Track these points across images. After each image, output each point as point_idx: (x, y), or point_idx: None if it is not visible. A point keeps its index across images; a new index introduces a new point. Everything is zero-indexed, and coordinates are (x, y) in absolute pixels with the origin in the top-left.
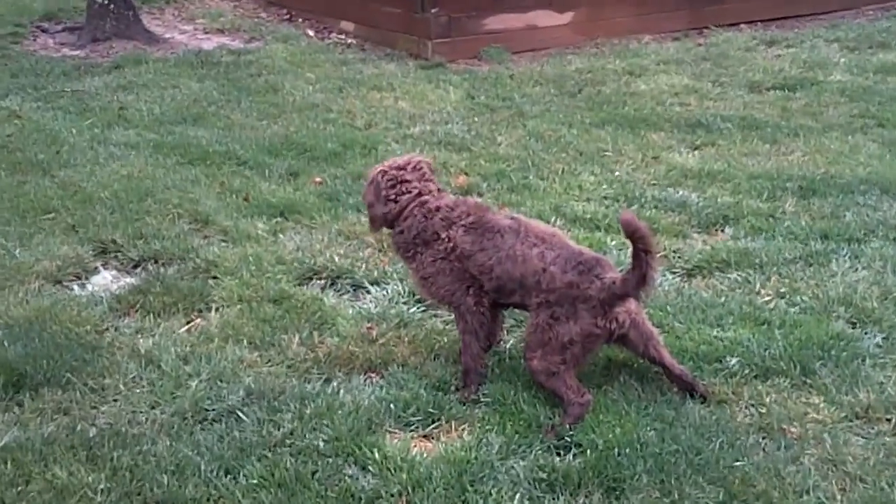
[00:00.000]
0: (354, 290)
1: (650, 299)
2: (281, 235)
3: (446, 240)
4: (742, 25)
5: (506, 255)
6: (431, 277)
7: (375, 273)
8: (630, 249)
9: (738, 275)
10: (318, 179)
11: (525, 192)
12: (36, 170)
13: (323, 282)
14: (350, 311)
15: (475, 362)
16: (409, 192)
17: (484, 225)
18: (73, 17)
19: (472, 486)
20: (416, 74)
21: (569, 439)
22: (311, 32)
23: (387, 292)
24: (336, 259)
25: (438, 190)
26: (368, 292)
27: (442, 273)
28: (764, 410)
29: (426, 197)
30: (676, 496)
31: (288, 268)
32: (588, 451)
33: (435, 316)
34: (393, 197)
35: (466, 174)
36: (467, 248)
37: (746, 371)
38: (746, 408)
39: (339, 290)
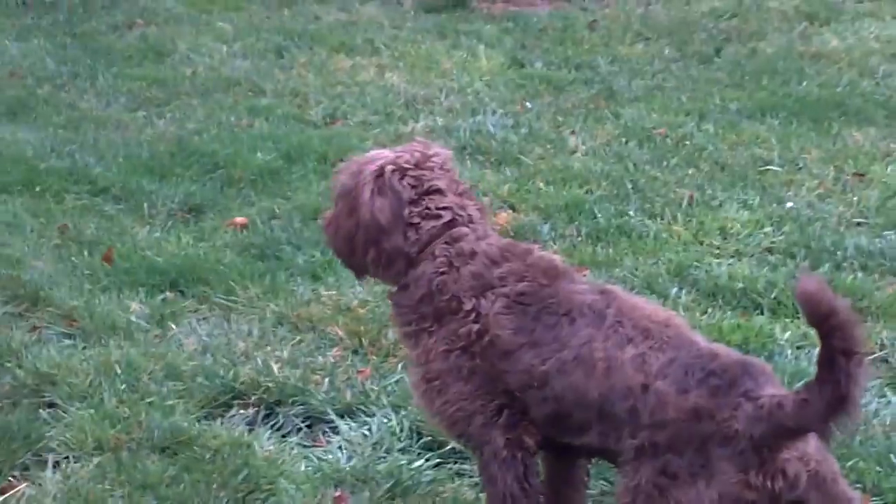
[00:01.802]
0: (310, 426)
1: (849, 436)
2: (173, 326)
3: (471, 316)
4: None
5: (574, 358)
6: (439, 381)
7: (349, 394)
8: (817, 347)
9: None
10: (239, 221)
11: (620, 241)
12: None
13: (251, 412)
14: (303, 468)
15: None
16: (437, 214)
17: (543, 300)
18: None
19: None
20: (417, 23)
21: None
22: None
23: (370, 430)
24: (275, 369)
25: (480, 216)
26: (336, 430)
27: (456, 376)
28: None
29: (462, 229)
30: None
31: (187, 386)
32: None
33: (461, 473)
34: (417, 219)
35: (512, 207)
36: (505, 338)
37: None
38: None
39: (280, 428)
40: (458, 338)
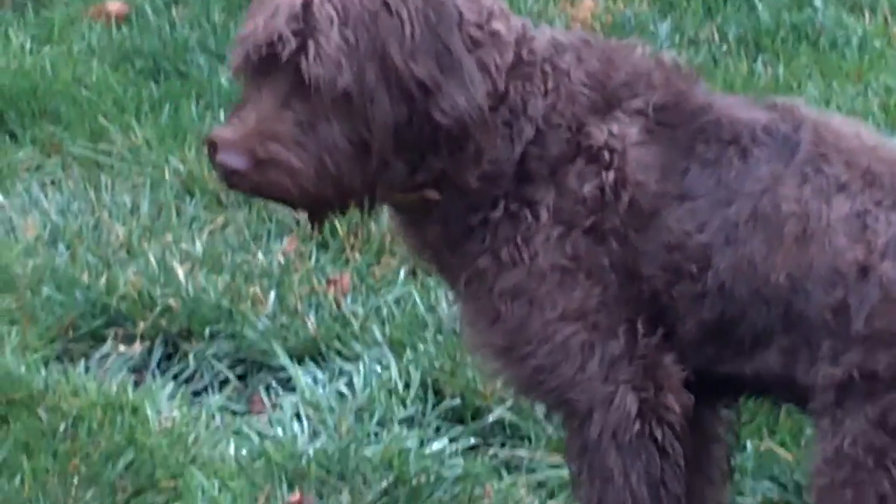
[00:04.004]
0: (243, 377)
1: None
2: None
3: (603, 156)
4: None
5: (750, 216)
6: (543, 290)
7: (312, 322)
8: None
9: None
10: (112, 7)
11: (798, 53)
12: None
13: (138, 350)
14: (231, 451)
15: None
16: (495, 31)
17: (692, 118)
18: None
19: None
20: None
21: None
22: None
23: (350, 386)
24: (180, 274)
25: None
26: (290, 385)
27: (574, 277)
28: None
29: (532, 34)
30: None
31: (24, 304)
32: None
33: (513, 465)
34: (477, 48)
35: None
36: (652, 189)
37: None
38: None
39: (190, 379)
40: (582, 205)
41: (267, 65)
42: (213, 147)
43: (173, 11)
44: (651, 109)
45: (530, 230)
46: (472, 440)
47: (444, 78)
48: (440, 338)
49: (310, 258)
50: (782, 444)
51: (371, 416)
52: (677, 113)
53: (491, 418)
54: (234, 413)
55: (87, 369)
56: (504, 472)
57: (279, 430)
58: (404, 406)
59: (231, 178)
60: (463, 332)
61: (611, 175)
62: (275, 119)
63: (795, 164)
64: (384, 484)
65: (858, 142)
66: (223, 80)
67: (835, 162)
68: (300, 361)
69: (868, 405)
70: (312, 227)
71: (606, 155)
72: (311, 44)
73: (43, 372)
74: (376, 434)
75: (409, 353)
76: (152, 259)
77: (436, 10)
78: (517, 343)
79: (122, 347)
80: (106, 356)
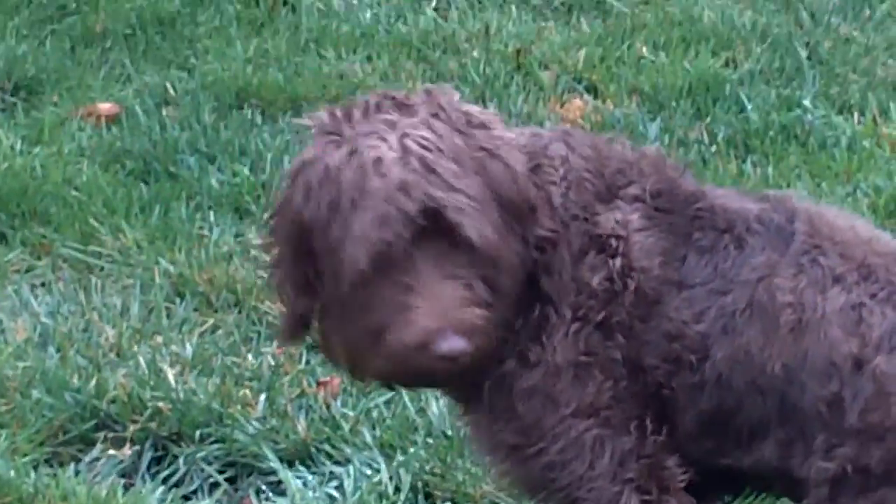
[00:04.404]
0: (233, 480)
1: None
2: None
3: (610, 244)
4: None
5: (746, 306)
6: (557, 387)
7: (302, 425)
8: None
9: None
10: (103, 108)
11: (787, 152)
12: None
13: (128, 453)
14: None
15: None
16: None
17: (686, 205)
18: None
19: None
20: None
21: None
22: None
23: (340, 489)
24: (171, 377)
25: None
26: (280, 489)
27: (587, 373)
28: None
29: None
30: None
31: (14, 406)
32: None
33: None
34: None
35: (593, 90)
36: (655, 274)
37: None
38: None
39: (180, 482)
40: (594, 299)
41: (417, 239)
42: (422, 346)
43: (164, 112)
44: (648, 196)
45: (554, 328)
46: None
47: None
48: (430, 440)
49: (300, 360)
50: None
51: None
52: (672, 199)
53: None
54: None
55: (76, 473)
56: None
57: None
58: None
59: (458, 361)
60: (474, 437)
61: (618, 262)
62: (451, 290)
63: (791, 255)
64: None
65: (853, 234)
66: (213, 182)
67: (830, 254)
68: (290, 465)
69: (861, 500)
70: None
71: (613, 242)
72: (455, 203)
73: (32, 476)
74: None
75: (399, 456)
76: (142, 361)
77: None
78: (531, 440)
79: (111, 451)
80: (96, 460)
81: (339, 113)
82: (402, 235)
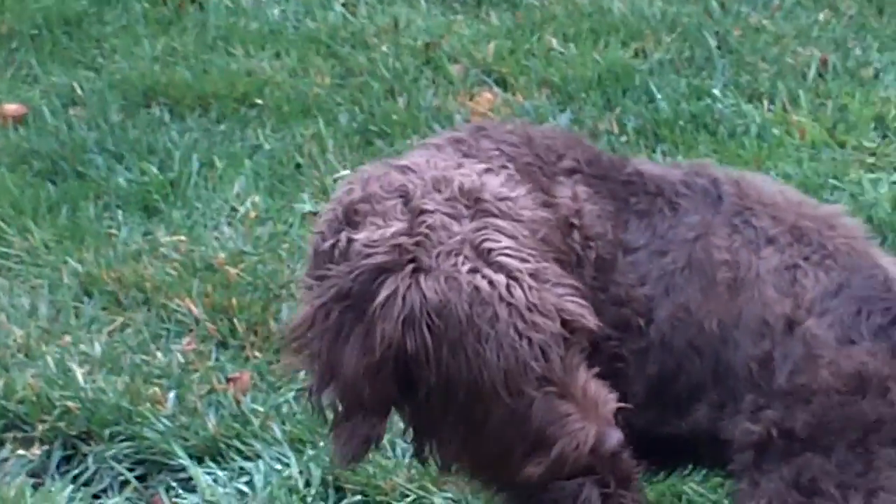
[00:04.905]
0: (143, 478)
1: None
2: None
3: (570, 217)
4: None
5: (685, 264)
6: None
7: (212, 421)
8: None
9: None
10: (10, 109)
11: (697, 142)
12: None
13: (38, 452)
14: None
15: None
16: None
17: (617, 172)
18: None
19: None
20: None
21: None
22: None
23: (250, 485)
24: (80, 376)
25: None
26: (190, 486)
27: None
28: None
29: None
30: None
31: None
32: None
33: None
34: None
35: (502, 82)
36: (610, 239)
37: None
38: None
39: (90, 481)
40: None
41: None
42: (594, 450)
43: (71, 112)
44: (583, 165)
45: None
46: None
47: None
48: None
49: (209, 357)
50: None
51: None
52: (603, 167)
53: None
54: None
55: None
56: None
57: None
58: None
59: (620, 450)
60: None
61: (576, 235)
62: (595, 386)
63: (723, 215)
64: None
65: (783, 198)
66: (121, 180)
67: (761, 215)
68: (200, 461)
69: (784, 465)
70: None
71: (572, 218)
72: (575, 308)
73: None
74: None
75: (309, 451)
76: (51, 361)
77: None
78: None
79: (20, 451)
80: (4, 460)
81: (399, 227)
82: (554, 354)
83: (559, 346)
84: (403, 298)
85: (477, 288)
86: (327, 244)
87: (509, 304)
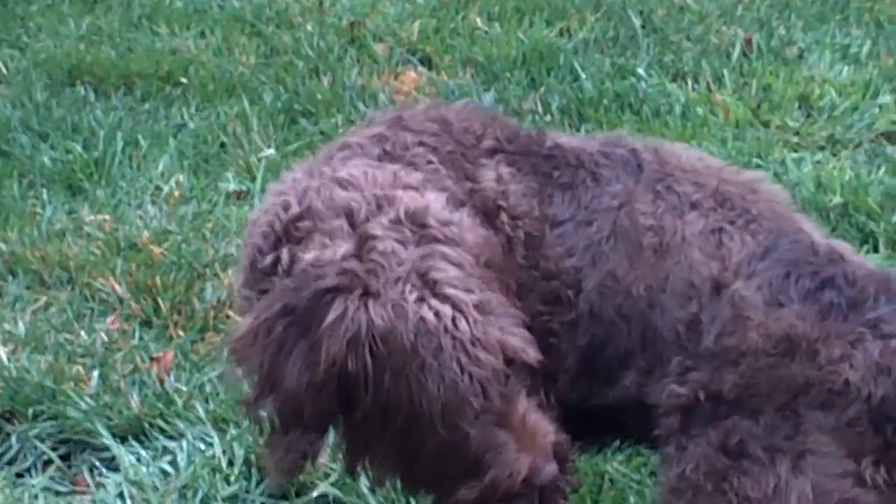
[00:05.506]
0: (66, 457)
1: None
2: None
3: (495, 200)
4: None
5: (610, 233)
6: None
7: (135, 400)
8: None
9: None
10: None
11: (621, 121)
12: None
13: None
14: None
15: None
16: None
17: (537, 147)
18: None
19: None
20: None
21: None
22: None
23: (174, 464)
24: (3, 355)
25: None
26: (113, 465)
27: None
28: None
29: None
30: None
31: None
32: None
33: None
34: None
35: (427, 61)
36: (535, 216)
37: None
38: None
39: (13, 461)
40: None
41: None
42: (526, 480)
43: None
44: (504, 142)
45: None
46: None
47: None
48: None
49: (133, 336)
50: None
51: (195, 494)
52: (523, 143)
53: (315, 493)
54: (58, 494)
55: None
56: None
57: None
58: (228, 483)
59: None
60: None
61: (504, 216)
62: (534, 418)
63: (644, 182)
64: None
65: (703, 164)
66: (46, 159)
67: (683, 181)
68: (124, 440)
69: (712, 429)
70: None
71: (499, 200)
72: (518, 342)
73: None
74: None
75: (232, 430)
76: None
77: None
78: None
79: None
80: None
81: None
82: (494, 390)
83: (499, 381)
84: (351, 320)
85: (423, 318)
86: (268, 259)
87: (454, 338)
